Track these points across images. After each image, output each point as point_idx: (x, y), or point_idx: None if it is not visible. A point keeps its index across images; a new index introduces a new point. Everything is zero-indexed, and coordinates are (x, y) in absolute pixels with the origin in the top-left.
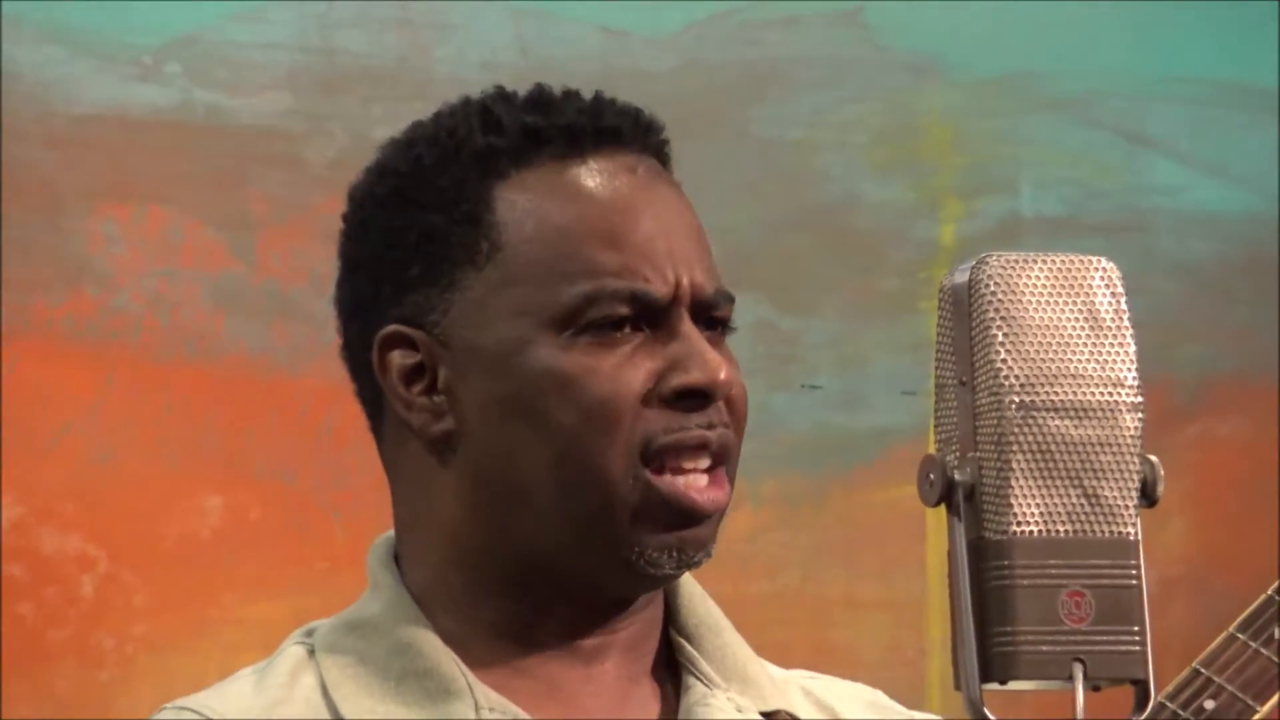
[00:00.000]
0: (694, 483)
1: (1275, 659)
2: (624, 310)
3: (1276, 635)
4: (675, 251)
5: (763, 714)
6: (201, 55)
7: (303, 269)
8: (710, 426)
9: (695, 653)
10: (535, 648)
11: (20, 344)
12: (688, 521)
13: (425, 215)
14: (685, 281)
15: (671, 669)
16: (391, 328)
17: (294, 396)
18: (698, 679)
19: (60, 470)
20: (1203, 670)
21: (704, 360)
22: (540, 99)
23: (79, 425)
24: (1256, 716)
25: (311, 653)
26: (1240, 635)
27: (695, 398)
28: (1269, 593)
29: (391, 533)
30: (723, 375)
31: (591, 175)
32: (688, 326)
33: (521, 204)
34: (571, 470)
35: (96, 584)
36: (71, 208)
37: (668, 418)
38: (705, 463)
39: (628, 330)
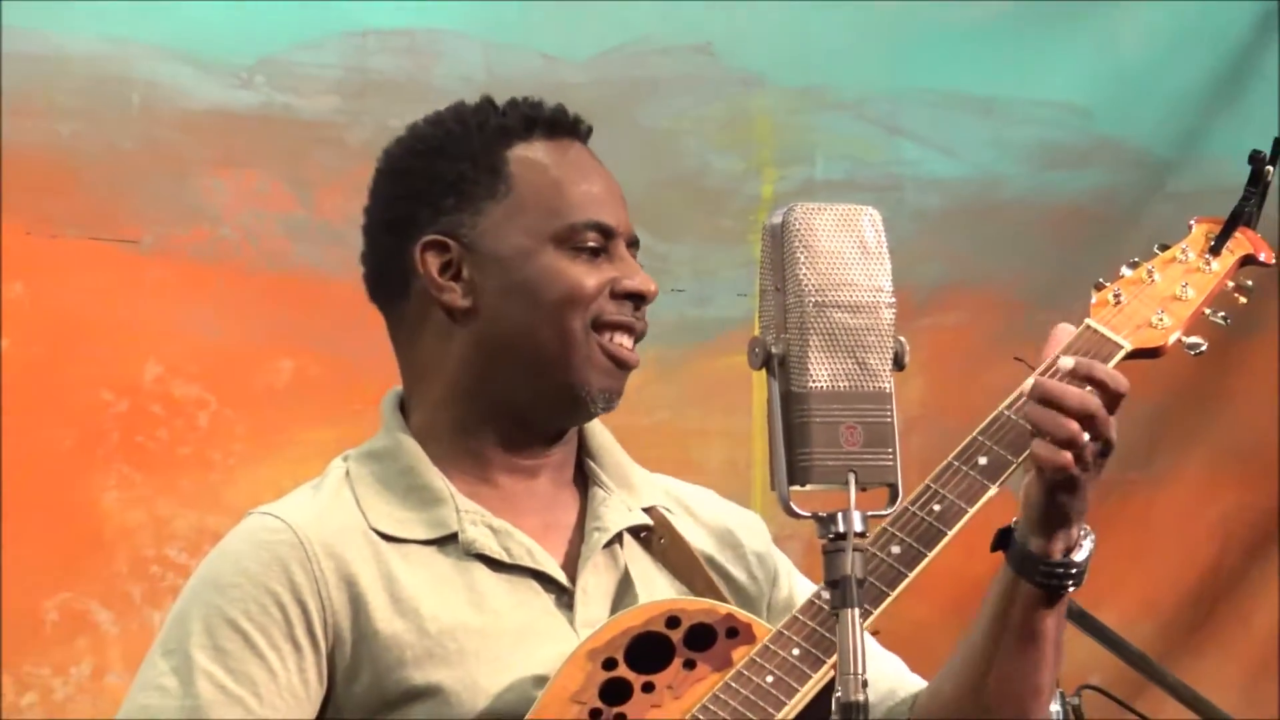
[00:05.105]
0: (624, 346)
1: (979, 477)
2: (593, 234)
3: (980, 462)
4: (617, 203)
5: (643, 509)
6: (279, 70)
7: (344, 213)
8: (639, 319)
9: (598, 468)
10: (495, 467)
11: (159, 262)
12: (619, 370)
13: (458, 164)
14: (624, 221)
15: (582, 481)
16: (432, 236)
17: (339, 295)
18: (599, 486)
19: (187, 342)
20: (931, 484)
21: (643, 276)
22: (529, 100)
23: (199, 314)
24: (966, 515)
25: (347, 473)
26: (955, 461)
27: (635, 299)
28: (974, 434)
29: (398, 388)
30: (653, 288)
31: (565, 150)
32: (625, 252)
33: (526, 162)
34: (549, 331)
35: (209, 418)
36: (194, 171)
37: (615, 306)
38: (630, 341)
39: (592, 251)
